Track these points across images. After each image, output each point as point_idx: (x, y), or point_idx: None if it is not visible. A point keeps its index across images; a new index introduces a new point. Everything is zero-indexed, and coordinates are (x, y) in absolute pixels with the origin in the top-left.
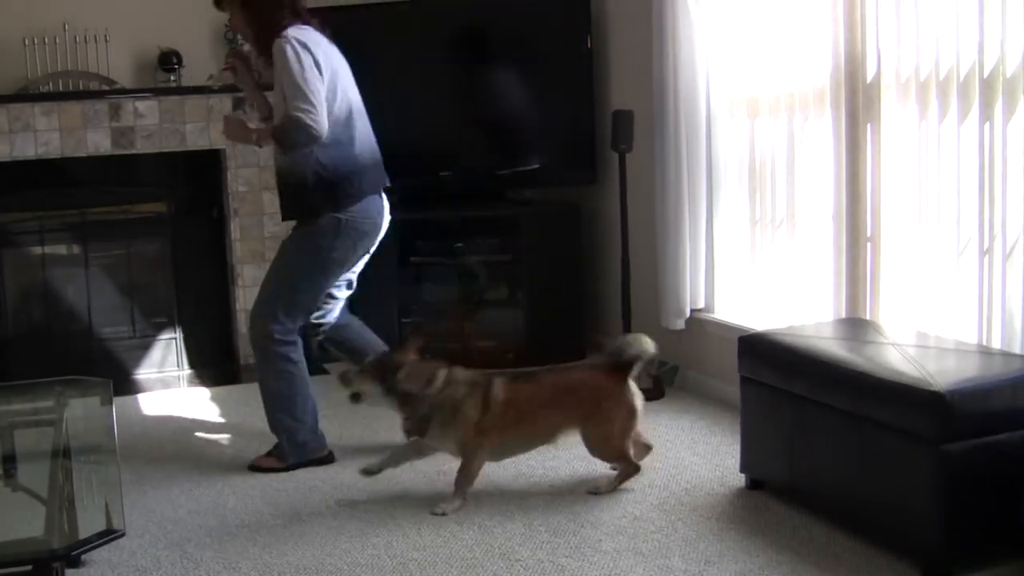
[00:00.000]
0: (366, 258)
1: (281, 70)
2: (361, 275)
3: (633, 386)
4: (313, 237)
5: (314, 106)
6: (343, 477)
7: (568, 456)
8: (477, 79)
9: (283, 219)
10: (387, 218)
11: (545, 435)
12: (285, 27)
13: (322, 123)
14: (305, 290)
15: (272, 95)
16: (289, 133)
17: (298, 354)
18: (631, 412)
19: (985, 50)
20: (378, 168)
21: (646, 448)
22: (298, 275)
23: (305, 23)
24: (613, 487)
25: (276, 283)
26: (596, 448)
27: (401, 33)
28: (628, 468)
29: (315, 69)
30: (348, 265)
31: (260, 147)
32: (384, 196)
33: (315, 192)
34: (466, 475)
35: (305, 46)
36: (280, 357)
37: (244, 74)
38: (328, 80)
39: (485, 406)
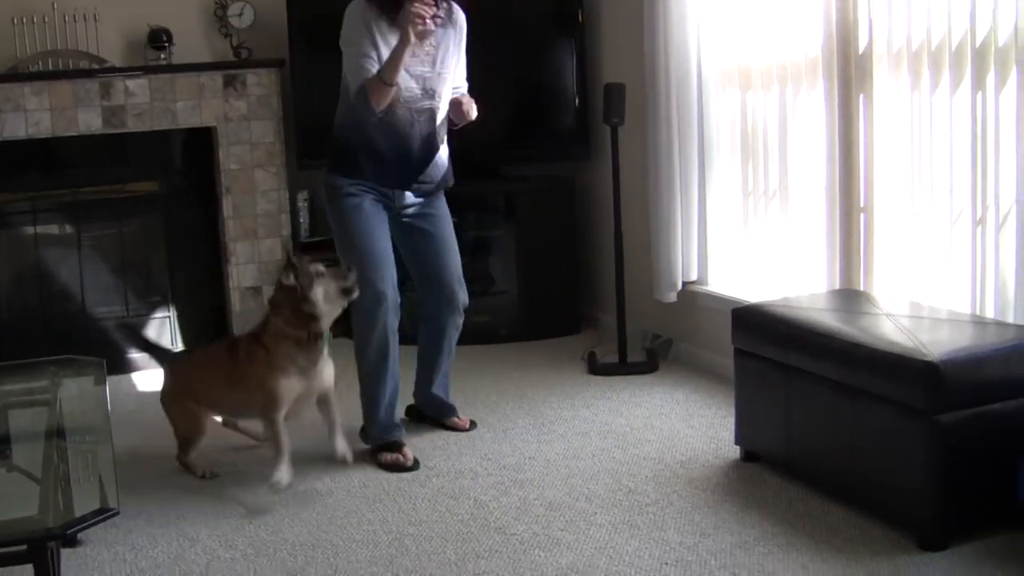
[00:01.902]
0: None
1: (463, 44)
2: None
3: None
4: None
5: None
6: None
7: (563, 431)
8: (469, 54)
9: (440, 191)
10: None
11: None
12: None
13: None
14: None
15: (421, 60)
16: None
17: None
18: None
19: (977, 20)
20: None
21: None
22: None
23: None
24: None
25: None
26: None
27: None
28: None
29: None
30: None
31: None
32: None
33: (448, 165)
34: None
35: None
36: None
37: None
38: None
39: None
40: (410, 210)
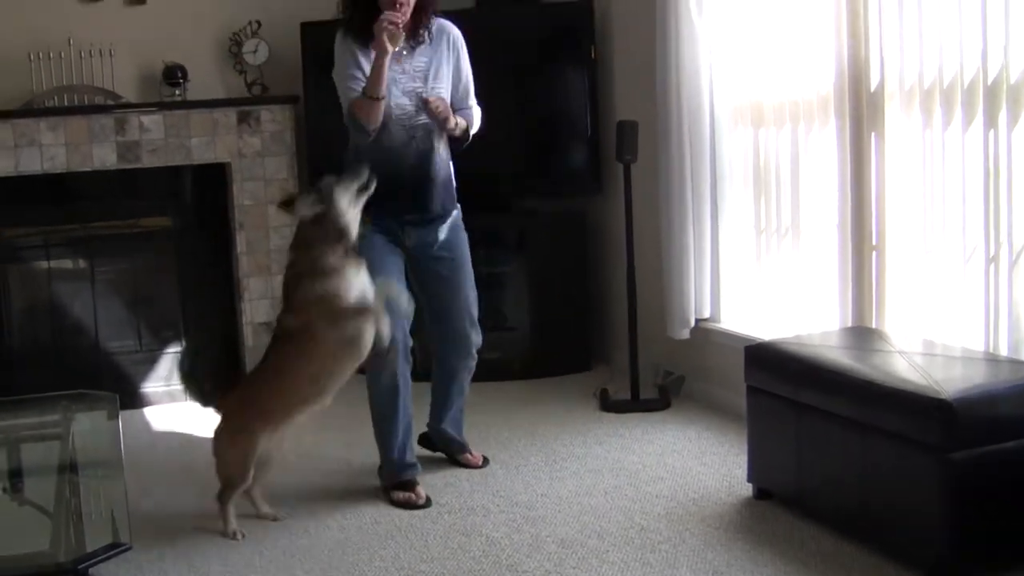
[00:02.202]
0: None
1: (463, 59)
2: None
3: None
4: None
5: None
6: (349, 490)
7: (575, 468)
8: (482, 89)
9: (428, 214)
10: None
11: None
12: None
13: None
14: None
15: (412, 77)
16: (472, 126)
17: None
18: None
19: (988, 57)
20: None
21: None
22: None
23: None
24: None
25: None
26: None
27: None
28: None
29: None
30: None
31: (456, 134)
32: None
33: (450, 183)
34: None
35: None
36: None
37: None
38: None
39: None
40: (425, 249)
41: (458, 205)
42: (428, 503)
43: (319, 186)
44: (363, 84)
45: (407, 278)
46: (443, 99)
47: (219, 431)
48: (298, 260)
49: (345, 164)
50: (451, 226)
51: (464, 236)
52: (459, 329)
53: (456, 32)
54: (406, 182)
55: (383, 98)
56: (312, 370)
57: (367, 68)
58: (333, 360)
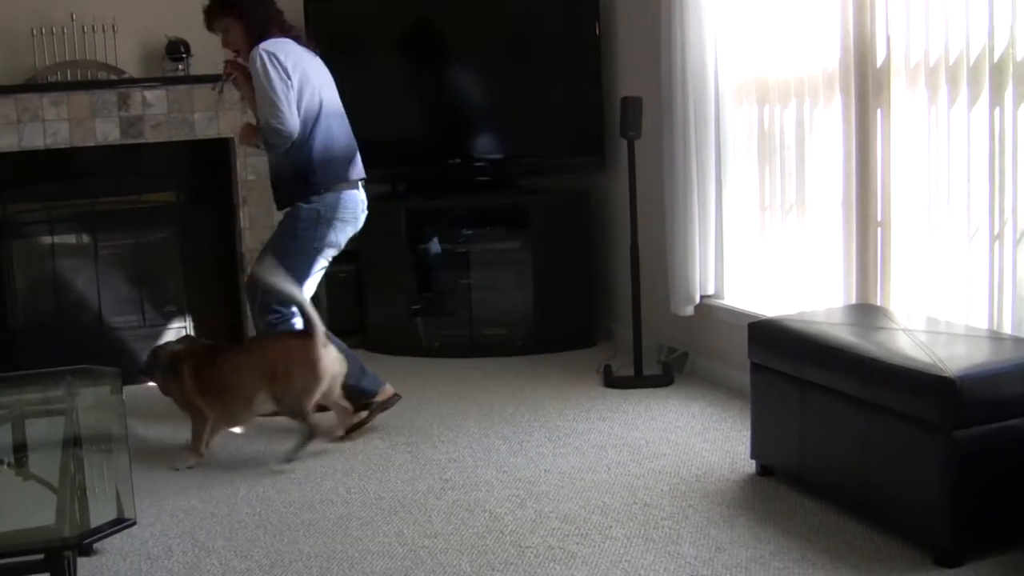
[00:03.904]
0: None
1: (255, 79)
2: (371, 262)
3: (320, 349)
4: (296, 226)
5: (283, 112)
6: (354, 465)
7: (578, 444)
8: (486, 67)
9: (278, 209)
10: (364, 210)
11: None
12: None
13: (291, 124)
14: (291, 271)
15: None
16: (266, 137)
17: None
18: (314, 371)
19: (995, 34)
20: (353, 162)
21: (343, 410)
22: (285, 258)
23: (285, 35)
24: (294, 454)
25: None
26: (280, 402)
27: (411, 21)
28: (305, 427)
29: (284, 76)
30: (326, 253)
31: (260, 148)
32: (361, 188)
33: (293, 183)
34: (193, 434)
35: (274, 56)
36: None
37: (242, 82)
38: (297, 84)
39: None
40: None
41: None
42: None
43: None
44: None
45: None
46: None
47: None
48: None
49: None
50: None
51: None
52: None
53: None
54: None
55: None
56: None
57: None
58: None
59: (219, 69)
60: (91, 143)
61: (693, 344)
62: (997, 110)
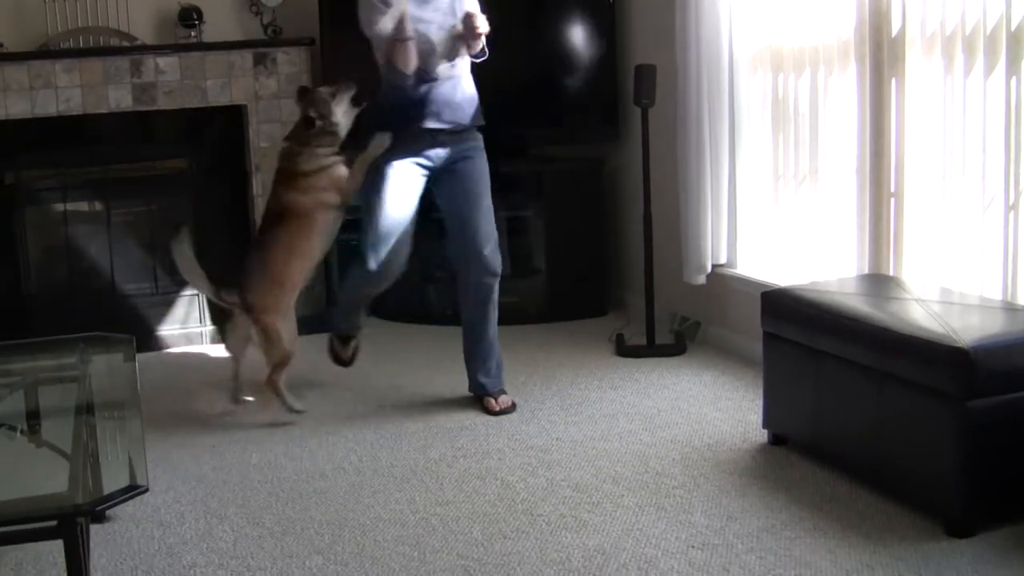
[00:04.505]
0: None
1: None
2: None
3: None
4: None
5: None
6: (366, 434)
7: (590, 412)
8: (499, 35)
9: (461, 127)
10: None
11: None
12: None
13: None
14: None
15: (443, 13)
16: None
17: None
18: None
19: (1012, 3)
20: None
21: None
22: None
23: None
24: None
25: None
26: None
27: None
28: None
29: None
30: None
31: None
32: None
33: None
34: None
35: None
36: None
37: None
38: None
39: None
40: (455, 162)
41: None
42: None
43: (317, 93)
44: (391, 27)
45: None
46: (479, 14)
47: (262, 318)
48: (294, 150)
49: (381, 102)
50: (474, 137)
51: (483, 152)
52: (477, 244)
53: None
54: (442, 106)
55: (411, 39)
56: (318, 241)
57: (393, 10)
58: (329, 232)
59: (231, 36)
60: (104, 110)
61: (705, 313)
62: (1014, 80)
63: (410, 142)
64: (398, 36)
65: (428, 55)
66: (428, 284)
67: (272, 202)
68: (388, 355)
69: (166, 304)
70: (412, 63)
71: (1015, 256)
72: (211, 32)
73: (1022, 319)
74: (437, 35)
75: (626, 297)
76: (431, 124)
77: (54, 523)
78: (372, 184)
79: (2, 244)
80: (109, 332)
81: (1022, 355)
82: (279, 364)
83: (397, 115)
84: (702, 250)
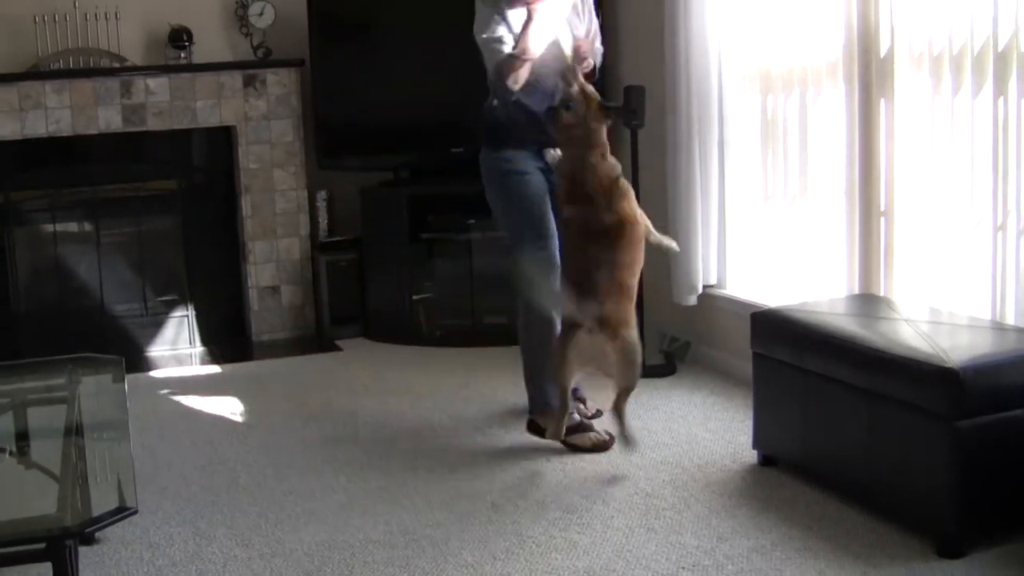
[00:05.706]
0: None
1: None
2: (372, 250)
3: None
4: None
5: None
6: (355, 455)
7: None
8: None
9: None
10: None
11: None
12: None
13: None
14: None
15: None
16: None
17: None
18: None
19: (999, 24)
20: None
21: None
22: None
23: None
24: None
25: None
26: None
27: (415, 7)
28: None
29: None
30: None
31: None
32: None
33: None
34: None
35: None
36: None
37: None
38: None
39: None
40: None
41: None
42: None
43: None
44: (508, 45)
45: None
46: (586, 40)
47: (622, 332)
48: (605, 159)
49: (488, 115)
50: None
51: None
52: None
53: None
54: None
55: (532, 59)
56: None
57: (512, 26)
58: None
59: (221, 57)
60: (93, 131)
61: (695, 334)
62: (1001, 100)
63: (534, 153)
64: (519, 55)
65: (545, 77)
66: (417, 305)
67: (589, 215)
68: (377, 376)
69: (156, 325)
70: (521, 82)
71: (1004, 276)
72: (201, 53)
73: (1011, 339)
74: (552, 54)
75: None
76: (545, 137)
77: (43, 545)
78: (510, 188)
79: None
80: (98, 353)
81: (1011, 375)
82: (630, 387)
83: (527, 127)
84: (692, 270)
